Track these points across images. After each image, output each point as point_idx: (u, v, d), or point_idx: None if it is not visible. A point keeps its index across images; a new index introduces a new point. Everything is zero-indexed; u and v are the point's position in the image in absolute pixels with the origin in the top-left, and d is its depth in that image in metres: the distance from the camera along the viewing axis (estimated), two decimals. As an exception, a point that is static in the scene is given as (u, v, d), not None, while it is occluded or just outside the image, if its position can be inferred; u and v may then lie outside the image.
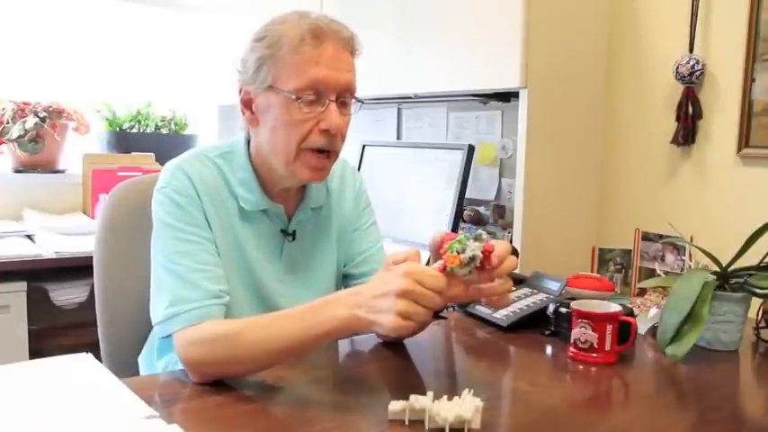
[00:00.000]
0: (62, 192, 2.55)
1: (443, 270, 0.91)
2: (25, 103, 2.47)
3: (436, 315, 1.00)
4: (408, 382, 1.06)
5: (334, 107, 1.05)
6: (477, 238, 0.93)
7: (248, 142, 1.15)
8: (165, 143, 2.77)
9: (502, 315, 1.33)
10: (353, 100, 1.10)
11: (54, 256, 1.98)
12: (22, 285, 1.94)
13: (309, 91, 1.03)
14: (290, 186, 1.15)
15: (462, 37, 2.00)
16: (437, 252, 0.97)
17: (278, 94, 1.04)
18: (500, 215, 2.23)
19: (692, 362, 1.16)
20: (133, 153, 2.65)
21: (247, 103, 1.10)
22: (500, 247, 0.93)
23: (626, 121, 2.08)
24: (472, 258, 0.91)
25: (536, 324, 1.31)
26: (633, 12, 2.05)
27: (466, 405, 0.85)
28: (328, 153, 1.08)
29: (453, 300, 0.99)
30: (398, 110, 2.68)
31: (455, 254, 0.92)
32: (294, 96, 1.03)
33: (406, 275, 0.86)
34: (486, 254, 0.92)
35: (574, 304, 1.17)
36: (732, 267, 1.23)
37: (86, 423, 0.80)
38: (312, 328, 0.93)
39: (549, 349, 1.23)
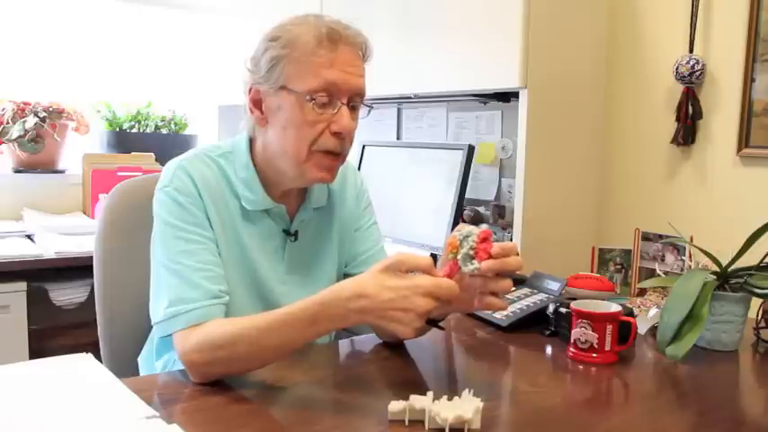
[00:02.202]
0: (62, 192, 2.56)
1: (453, 268, 0.91)
2: (25, 103, 2.47)
3: (435, 324, 1.00)
4: (408, 382, 1.06)
5: (346, 110, 1.06)
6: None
7: (251, 142, 1.15)
8: (165, 143, 2.77)
9: (502, 315, 1.33)
10: (362, 105, 1.10)
11: (54, 256, 1.98)
12: (22, 285, 1.94)
13: (323, 93, 1.04)
14: (296, 187, 1.15)
15: (462, 37, 2.00)
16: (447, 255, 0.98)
17: (290, 95, 1.05)
18: (500, 215, 2.23)
19: (692, 362, 1.15)
20: (133, 153, 2.65)
21: (257, 103, 1.10)
22: (507, 244, 0.93)
23: (626, 121, 2.08)
24: (467, 235, 0.91)
25: (536, 324, 1.31)
26: (633, 12, 2.05)
27: (466, 405, 0.85)
28: (337, 155, 1.09)
29: (457, 307, 0.99)
30: (398, 110, 2.68)
31: (454, 236, 0.93)
32: (308, 97, 1.03)
33: (427, 295, 0.87)
34: (484, 235, 0.91)
35: (574, 304, 1.17)
36: (732, 267, 1.23)
37: (86, 423, 0.80)
38: (313, 328, 0.93)
39: (549, 349, 1.23)
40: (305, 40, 1.03)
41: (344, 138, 1.07)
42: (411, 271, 0.89)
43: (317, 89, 1.03)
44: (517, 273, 1.00)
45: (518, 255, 0.94)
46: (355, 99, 1.08)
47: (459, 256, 0.92)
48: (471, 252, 0.91)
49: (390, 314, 0.87)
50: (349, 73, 1.05)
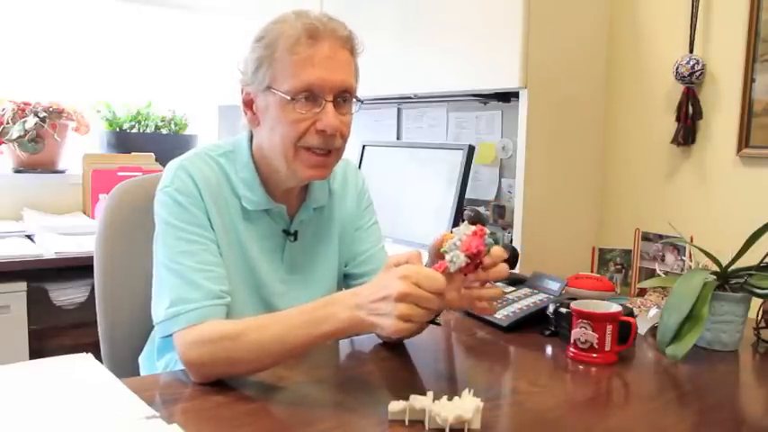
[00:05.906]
0: (62, 192, 2.56)
1: (443, 270, 0.91)
2: (25, 103, 2.47)
3: (431, 321, 0.99)
4: (408, 382, 1.06)
5: (331, 108, 1.05)
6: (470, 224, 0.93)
7: (251, 141, 1.15)
8: (165, 143, 2.77)
9: (502, 315, 1.33)
10: (354, 99, 1.09)
11: (54, 256, 1.98)
12: (22, 285, 1.95)
13: (304, 92, 1.03)
14: (293, 186, 1.15)
15: (462, 37, 2.00)
16: (437, 253, 0.97)
17: (275, 95, 1.05)
18: (500, 215, 2.23)
19: (692, 362, 1.15)
20: (133, 153, 2.65)
21: (248, 104, 1.10)
22: (495, 251, 0.92)
23: (626, 121, 2.08)
24: (456, 244, 0.91)
25: (536, 324, 1.31)
26: (633, 12, 2.05)
27: (466, 405, 0.85)
28: (328, 152, 1.08)
29: (448, 304, 0.98)
30: (398, 110, 2.68)
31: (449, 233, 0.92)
32: (289, 98, 1.03)
33: (403, 278, 0.85)
34: (477, 231, 0.91)
35: (574, 304, 1.17)
36: (732, 267, 1.23)
37: (86, 423, 0.80)
38: (314, 329, 0.92)
39: (549, 349, 1.23)
40: (285, 38, 1.03)
41: (331, 135, 1.06)
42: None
43: (298, 89, 1.03)
44: (516, 271, 1.00)
45: (514, 254, 0.94)
46: (343, 94, 1.07)
47: (444, 247, 0.91)
48: (458, 243, 0.91)
49: (372, 306, 0.87)
50: (331, 69, 1.04)
